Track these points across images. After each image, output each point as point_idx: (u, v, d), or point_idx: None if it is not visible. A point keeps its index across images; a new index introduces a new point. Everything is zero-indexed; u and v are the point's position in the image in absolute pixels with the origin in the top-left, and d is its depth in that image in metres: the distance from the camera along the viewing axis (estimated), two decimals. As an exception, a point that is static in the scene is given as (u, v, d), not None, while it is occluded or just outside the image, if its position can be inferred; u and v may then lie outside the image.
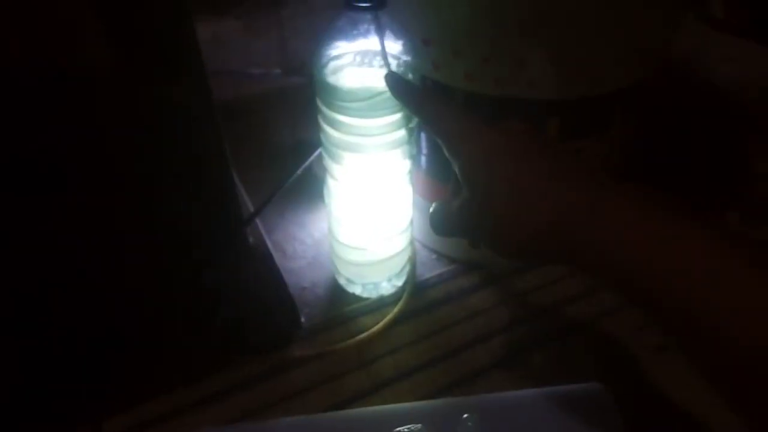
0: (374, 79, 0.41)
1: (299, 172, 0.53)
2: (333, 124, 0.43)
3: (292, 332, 0.52)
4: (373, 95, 0.40)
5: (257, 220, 0.60)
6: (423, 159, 0.53)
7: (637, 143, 0.56)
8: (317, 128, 0.46)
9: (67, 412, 0.46)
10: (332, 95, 0.41)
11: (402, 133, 0.43)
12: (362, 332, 0.52)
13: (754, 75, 0.81)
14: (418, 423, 0.28)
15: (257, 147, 0.71)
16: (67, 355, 0.46)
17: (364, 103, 0.40)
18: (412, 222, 0.53)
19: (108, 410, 0.46)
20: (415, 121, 0.44)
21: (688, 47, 0.85)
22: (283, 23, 0.79)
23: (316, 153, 0.52)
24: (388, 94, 0.40)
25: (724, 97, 0.80)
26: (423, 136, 0.51)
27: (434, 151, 0.51)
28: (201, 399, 0.47)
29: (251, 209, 0.59)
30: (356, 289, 0.55)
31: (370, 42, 0.42)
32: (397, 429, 0.29)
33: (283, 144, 0.71)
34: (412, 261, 0.56)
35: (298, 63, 0.79)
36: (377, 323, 0.53)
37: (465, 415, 0.32)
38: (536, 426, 0.44)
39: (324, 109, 0.43)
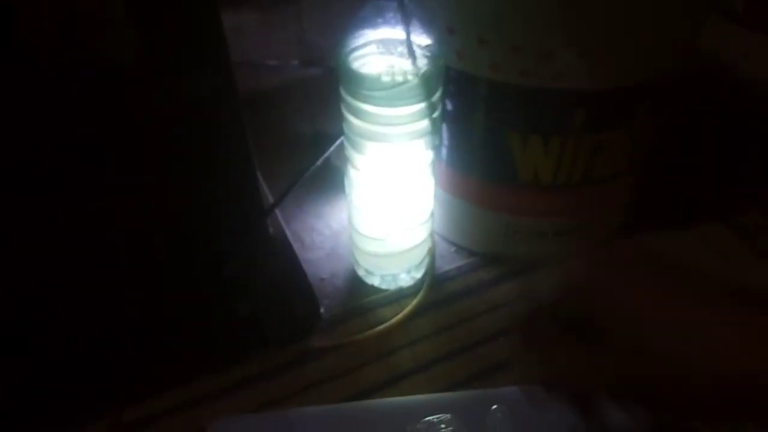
0: (399, 67, 0.40)
1: (319, 162, 0.53)
2: (356, 113, 0.42)
3: (311, 323, 0.52)
4: (397, 84, 0.39)
5: (276, 211, 0.59)
6: (444, 151, 0.52)
7: (664, 136, 0.55)
8: (337, 119, 0.46)
9: (89, 401, 0.46)
10: (356, 84, 0.41)
11: (425, 123, 0.43)
12: (381, 324, 0.52)
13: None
14: (447, 413, 0.28)
15: (276, 138, 0.71)
16: (90, 345, 0.46)
17: (387, 92, 0.40)
18: (432, 214, 0.53)
19: (128, 400, 0.46)
20: (438, 111, 0.44)
21: (708, 43, 0.84)
22: (301, 15, 0.78)
23: (337, 143, 0.52)
24: (412, 83, 0.39)
25: (744, 94, 0.78)
26: (445, 127, 0.50)
27: (456, 143, 0.51)
28: (221, 389, 0.47)
29: (271, 200, 0.58)
30: (375, 281, 0.55)
31: (394, 31, 0.41)
32: (427, 419, 0.28)
33: (301, 135, 0.71)
34: (432, 253, 0.56)
35: (317, 55, 0.78)
36: (396, 315, 0.52)
37: (494, 407, 0.31)
38: (568, 418, 0.44)
39: (347, 98, 0.42)
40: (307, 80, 0.78)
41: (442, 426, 0.28)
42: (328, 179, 0.63)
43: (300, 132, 0.72)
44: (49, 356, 0.45)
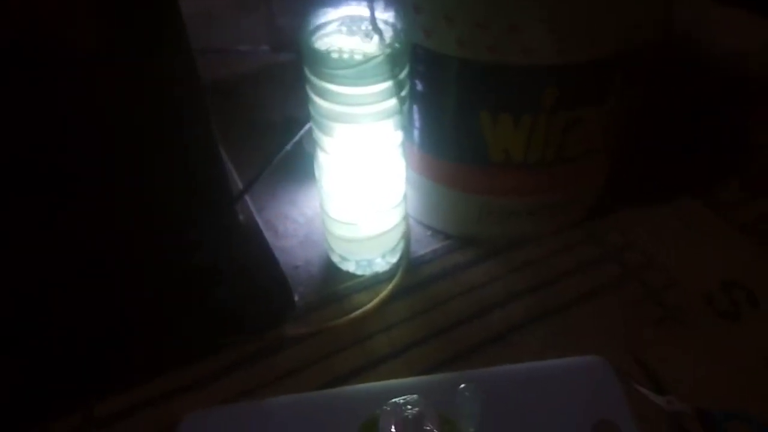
0: (363, 45, 0.39)
1: (288, 147, 0.52)
2: (322, 93, 0.41)
3: (285, 311, 0.51)
4: (362, 62, 0.38)
5: (248, 199, 0.58)
6: (416, 133, 0.51)
7: (637, 112, 0.55)
8: (306, 102, 0.45)
9: (58, 396, 0.45)
10: (320, 63, 0.40)
11: (393, 102, 0.42)
12: (357, 309, 0.51)
13: (754, 46, 0.80)
14: (414, 394, 0.28)
15: (247, 125, 0.70)
16: (59, 339, 0.45)
17: (352, 70, 0.39)
18: (405, 197, 0.52)
19: (99, 394, 0.45)
20: (406, 89, 0.43)
21: (688, 19, 0.84)
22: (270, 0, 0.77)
23: (306, 128, 0.51)
24: (377, 60, 0.38)
25: (724, 69, 0.79)
26: (415, 109, 0.49)
27: (427, 125, 0.50)
28: (195, 380, 0.46)
29: (241, 187, 0.57)
30: (350, 267, 0.54)
31: (358, 8, 0.40)
32: (393, 399, 0.28)
33: (272, 121, 0.70)
34: (407, 237, 0.55)
35: (287, 39, 0.77)
36: (371, 300, 0.52)
37: (462, 386, 0.31)
38: (536, 398, 0.44)
39: (312, 78, 0.41)
40: (278, 66, 0.76)
41: (408, 407, 0.27)
42: (300, 166, 0.61)
43: (271, 118, 0.70)
44: (20, 351, 0.43)
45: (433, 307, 0.52)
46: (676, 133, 0.70)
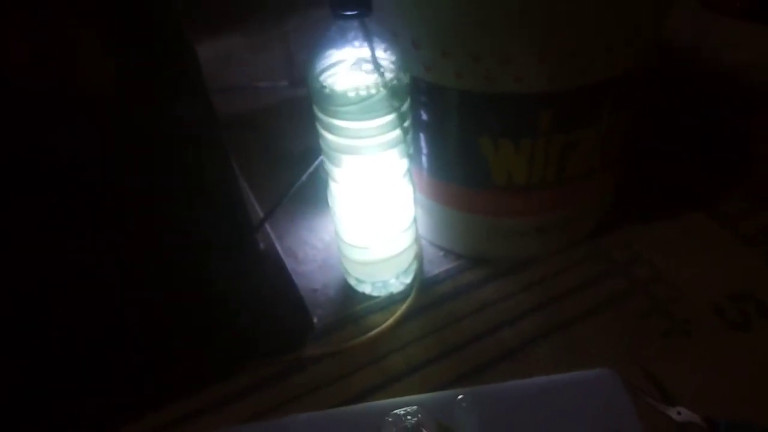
0: (366, 82, 0.42)
1: (304, 178, 0.55)
2: (330, 128, 0.44)
3: (304, 333, 0.54)
4: (365, 98, 0.41)
5: (268, 227, 0.62)
6: (424, 159, 0.54)
7: (642, 127, 0.56)
8: (317, 136, 0.48)
9: (80, 421, 0.48)
10: (327, 101, 0.43)
11: (396, 133, 0.45)
12: (373, 329, 0.53)
13: (758, 58, 0.81)
14: (414, 406, 0.30)
15: (267, 157, 0.73)
16: (79, 364, 0.48)
17: (356, 106, 0.42)
18: (415, 220, 0.55)
19: (122, 418, 0.48)
20: (408, 120, 0.46)
21: (692, 31, 0.85)
22: (287, 37, 0.81)
23: (319, 160, 0.54)
24: (379, 96, 0.41)
25: (728, 80, 0.79)
26: (422, 137, 0.52)
27: (433, 151, 0.52)
28: (216, 401, 0.49)
29: (261, 216, 0.60)
30: (366, 288, 0.57)
31: (359, 49, 0.43)
32: (394, 411, 0.30)
33: (292, 153, 0.73)
34: (419, 258, 0.58)
35: (304, 75, 0.81)
36: (387, 320, 0.54)
37: (460, 396, 0.33)
38: (546, 411, 0.45)
39: (320, 115, 0.44)
40: (296, 99, 0.80)
41: (408, 417, 0.29)
42: (318, 194, 0.64)
43: (291, 149, 0.74)
44: (45, 372, 0.46)
45: (447, 326, 0.54)
46: (679, 146, 0.72)
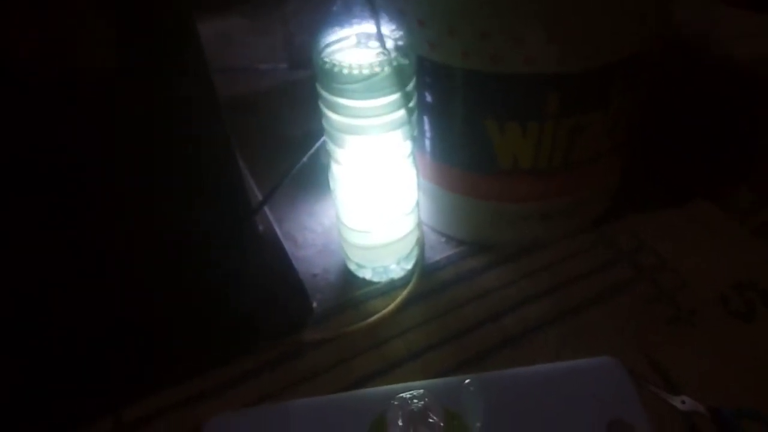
0: (371, 60, 0.41)
1: (305, 160, 0.54)
2: (333, 107, 0.43)
3: (304, 318, 0.53)
4: (369, 76, 0.40)
5: (268, 211, 0.61)
6: (427, 142, 0.53)
7: (649, 117, 0.55)
8: (320, 116, 0.47)
9: (87, 402, 0.47)
10: (331, 78, 0.42)
11: (401, 113, 0.44)
12: (373, 315, 0.53)
13: (766, 49, 0.80)
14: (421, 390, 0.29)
15: (266, 140, 0.72)
16: (88, 347, 0.47)
17: (360, 84, 0.40)
18: (418, 205, 0.54)
19: (127, 400, 0.47)
20: (413, 101, 0.44)
21: (701, 23, 0.84)
22: (287, 19, 0.80)
23: (321, 141, 0.53)
24: (384, 74, 0.40)
25: (735, 72, 0.78)
26: (425, 119, 0.51)
27: (438, 134, 0.51)
28: (217, 385, 0.48)
29: (261, 199, 0.59)
30: (366, 274, 0.56)
31: (365, 25, 0.42)
32: (400, 395, 0.29)
33: (291, 136, 0.72)
34: (421, 244, 0.57)
35: (304, 57, 0.79)
36: (388, 306, 0.53)
37: (467, 381, 0.32)
38: (550, 399, 0.45)
39: (324, 93, 0.43)
40: (296, 82, 0.79)
41: (415, 400, 0.28)
42: (318, 178, 0.63)
43: (290, 133, 0.73)
44: (47, 357, 0.46)
45: (448, 312, 0.53)
46: (686, 135, 0.71)
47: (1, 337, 0.44)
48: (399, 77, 0.41)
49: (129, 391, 0.48)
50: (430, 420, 0.28)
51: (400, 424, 0.28)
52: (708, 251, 0.57)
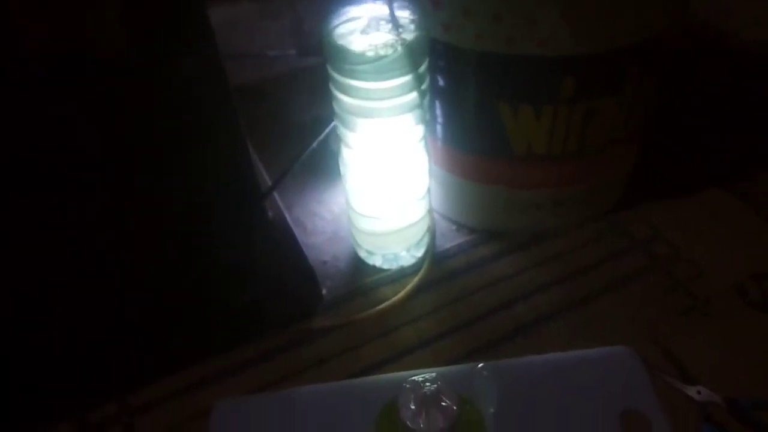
0: (383, 41, 0.40)
1: (314, 145, 0.54)
2: (344, 89, 0.43)
3: (313, 304, 0.52)
4: (381, 57, 0.40)
5: (277, 197, 0.60)
6: (439, 128, 0.52)
7: (663, 104, 0.54)
8: (330, 99, 0.46)
9: (92, 387, 0.47)
10: (342, 59, 0.41)
11: (413, 95, 0.43)
12: (383, 302, 0.52)
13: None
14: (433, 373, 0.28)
15: (276, 127, 0.72)
16: (90, 332, 0.47)
17: (372, 65, 0.40)
18: (429, 192, 0.53)
19: (134, 384, 0.47)
20: (426, 83, 0.44)
21: (712, 10, 0.83)
22: (296, 5, 0.79)
23: (331, 126, 0.52)
24: (396, 55, 0.39)
25: (750, 58, 0.77)
26: (437, 104, 0.50)
27: (450, 119, 0.51)
28: (225, 371, 0.48)
29: (270, 185, 0.59)
30: (376, 261, 0.55)
31: (378, 6, 0.41)
32: (412, 378, 0.29)
33: (300, 123, 0.71)
34: (431, 231, 0.56)
35: (313, 43, 0.79)
36: (398, 293, 0.53)
37: (480, 365, 0.32)
38: (562, 387, 0.44)
39: (335, 75, 0.42)
40: (305, 69, 0.78)
41: (428, 384, 0.28)
42: (327, 165, 0.63)
43: (300, 120, 0.72)
44: (52, 343, 0.46)
45: (459, 300, 0.53)
46: (702, 123, 0.69)
47: (6, 318, 0.43)
48: (411, 58, 0.41)
49: (134, 377, 0.48)
50: (443, 403, 0.27)
51: (413, 407, 0.27)
52: (724, 241, 0.56)
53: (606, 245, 0.56)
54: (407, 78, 0.42)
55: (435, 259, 0.56)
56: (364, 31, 0.41)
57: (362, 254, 0.56)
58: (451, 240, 0.58)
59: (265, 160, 0.65)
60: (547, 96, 0.45)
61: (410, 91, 0.42)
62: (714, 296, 0.51)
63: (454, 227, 0.60)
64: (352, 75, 0.41)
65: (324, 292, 0.54)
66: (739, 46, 0.75)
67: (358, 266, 0.57)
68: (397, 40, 0.40)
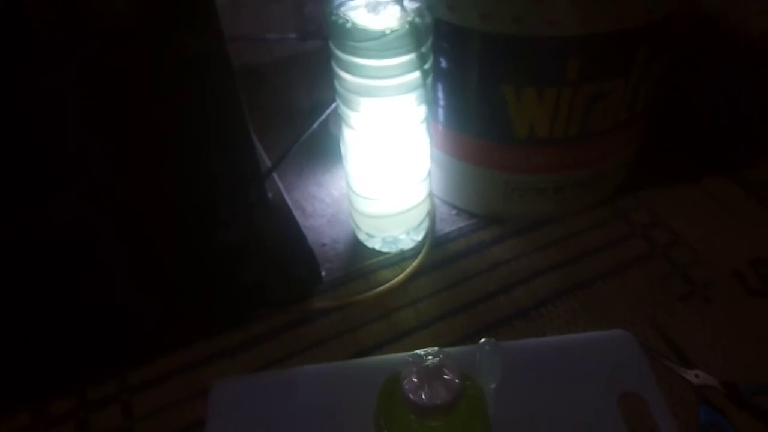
0: (387, 18, 0.40)
1: (315, 126, 0.53)
2: (347, 67, 0.42)
3: (312, 286, 0.52)
4: (385, 34, 0.39)
5: (277, 179, 0.60)
6: (440, 111, 0.52)
7: (666, 91, 0.54)
8: (332, 77, 0.46)
9: (93, 365, 0.47)
10: (346, 36, 0.41)
11: (416, 75, 0.43)
12: (382, 284, 0.52)
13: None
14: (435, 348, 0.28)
15: (276, 111, 0.71)
16: (90, 309, 0.47)
17: (376, 42, 0.39)
18: (430, 175, 0.53)
19: (132, 363, 0.47)
20: (429, 62, 0.43)
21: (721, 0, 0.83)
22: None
23: (332, 107, 0.52)
24: (400, 32, 0.39)
25: (757, 48, 0.77)
26: (440, 86, 0.50)
27: (452, 102, 0.50)
28: (224, 350, 0.48)
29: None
30: (376, 244, 0.55)
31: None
32: (414, 352, 0.29)
33: (300, 107, 0.71)
34: (431, 215, 0.56)
35: (314, 27, 0.78)
36: (397, 276, 0.53)
37: (483, 340, 0.32)
38: (560, 370, 0.44)
39: (338, 52, 0.42)
40: (306, 53, 0.78)
41: (430, 357, 0.28)
42: (327, 149, 0.63)
43: (300, 104, 0.72)
44: (53, 319, 0.45)
45: (459, 283, 0.53)
46: (704, 112, 0.69)
47: (7, 296, 0.43)
48: (415, 36, 0.40)
49: (134, 355, 0.48)
50: (446, 377, 0.27)
51: (415, 380, 0.27)
52: (724, 227, 0.56)
53: (606, 231, 0.56)
54: (410, 56, 0.41)
55: (434, 242, 0.56)
56: (368, 9, 0.41)
57: (362, 237, 0.56)
58: (450, 224, 0.58)
59: (265, 144, 0.65)
60: (552, 78, 0.45)
61: (413, 70, 0.42)
62: (713, 282, 0.51)
63: (453, 212, 0.60)
64: (356, 52, 0.41)
65: (323, 274, 0.53)
66: (745, 35, 0.75)
67: (357, 249, 0.56)
68: (401, 18, 0.40)
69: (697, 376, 0.45)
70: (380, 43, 0.40)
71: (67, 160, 0.40)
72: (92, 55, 0.36)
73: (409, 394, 0.27)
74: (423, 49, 0.42)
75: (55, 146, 0.39)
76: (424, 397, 0.27)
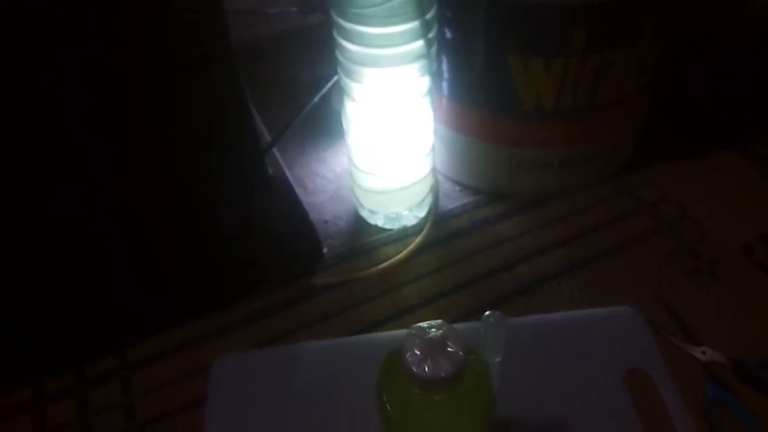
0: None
1: (316, 100, 0.52)
2: (349, 36, 0.41)
3: (314, 262, 0.51)
4: (388, 0, 0.38)
5: (278, 155, 0.59)
6: (445, 84, 0.51)
7: (672, 61, 0.53)
8: (334, 48, 0.44)
9: (93, 342, 0.46)
10: (347, 3, 0.39)
11: (420, 44, 0.41)
12: (385, 261, 0.51)
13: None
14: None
15: (277, 85, 0.70)
16: (90, 286, 0.46)
17: (378, 8, 0.38)
18: (433, 150, 0.52)
19: (133, 339, 0.47)
20: (433, 31, 0.42)
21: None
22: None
23: (333, 80, 0.51)
24: (404, -1, 0.38)
25: (763, 23, 0.75)
26: (444, 58, 0.49)
27: (457, 74, 0.49)
28: (225, 327, 0.48)
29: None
30: (378, 220, 0.54)
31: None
32: (417, 324, 0.28)
33: (301, 81, 0.70)
34: (435, 191, 0.55)
35: (315, 1, 0.77)
36: (400, 252, 0.52)
37: (487, 312, 0.31)
38: (566, 346, 0.44)
39: (340, 21, 0.41)
40: (307, 27, 0.76)
41: (433, 329, 0.27)
42: (328, 125, 0.62)
43: (301, 79, 0.71)
44: (53, 295, 0.45)
45: (462, 260, 0.52)
46: (713, 84, 0.68)
47: (6, 272, 0.43)
48: (419, 3, 0.39)
49: (134, 331, 0.47)
50: (449, 349, 0.27)
51: (417, 352, 0.27)
52: (731, 202, 0.55)
53: (612, 207, 0.55)
54: (414, 24, 0.40)
55: (437, 219, 0.55)
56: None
57: (364, 214, 0.55)
58: (453, 201, 0.57)
59: (266, 120, 0.64)
60: (559, 47, 0.44)
61: (417, 38, 0.41)
62: (720, 258, 0.50)
63: (457, 188, 0.59)
64: (358, 20, 0.40)
65: (325, 251, 0.53)
66: (754, 9, 0.73)
67: (359, 226, 0.56)
68: (404, -15, 0.39)
69: (704, 352, 0.44)
70: (383, 10, 0.39)
71: (67, 160, 0.39)
72: (92, 55, 0.36)
73: (412, 367, 0.27)
74: (427, 17, 0.41)
75: (55, 146, 0.38)
76: (427, 369, 0.27)
